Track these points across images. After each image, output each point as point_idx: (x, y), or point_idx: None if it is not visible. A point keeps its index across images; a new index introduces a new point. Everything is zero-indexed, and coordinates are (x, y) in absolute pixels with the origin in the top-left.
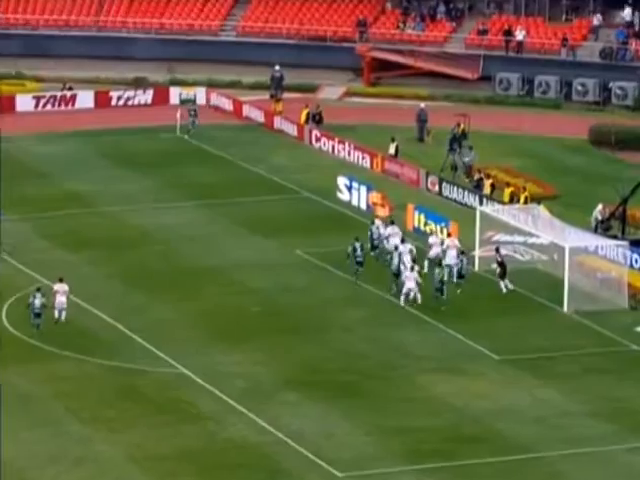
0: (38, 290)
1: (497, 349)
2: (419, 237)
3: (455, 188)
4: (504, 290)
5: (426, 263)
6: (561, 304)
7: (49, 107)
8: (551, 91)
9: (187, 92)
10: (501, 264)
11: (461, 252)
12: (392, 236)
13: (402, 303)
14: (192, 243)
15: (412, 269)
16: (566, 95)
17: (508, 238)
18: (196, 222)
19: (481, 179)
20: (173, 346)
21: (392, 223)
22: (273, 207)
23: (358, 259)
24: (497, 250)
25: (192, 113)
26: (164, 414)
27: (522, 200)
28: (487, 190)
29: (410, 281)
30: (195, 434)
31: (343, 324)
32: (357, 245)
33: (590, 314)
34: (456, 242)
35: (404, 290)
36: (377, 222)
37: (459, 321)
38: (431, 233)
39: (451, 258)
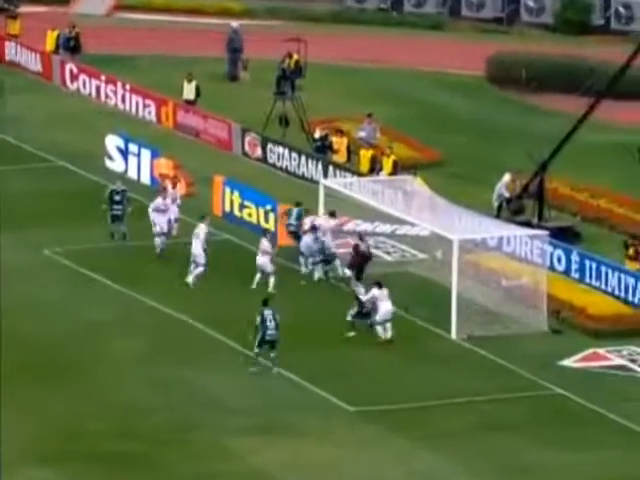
0: None
1: (349, 396)
2: (233, 226)
3: (286, 151)
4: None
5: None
6: (447, 327)
7: None
8: (429, 4)
9: None
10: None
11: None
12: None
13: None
14: None
15: None
16: (452, 10)
17: (367, 227)
18: None
19: (326, 137)
20: None
21: (332, 215)
22: (7, 184)
23: (269, 335)
24: (360, 238)
25: None
26: None
27: (387, 169)
28: (336, 154)
29: None
30: None
31: (115, 360)
32: (267, 315)
33: (490, 341)
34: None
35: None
36: (318, 221)
37: (290, 353)
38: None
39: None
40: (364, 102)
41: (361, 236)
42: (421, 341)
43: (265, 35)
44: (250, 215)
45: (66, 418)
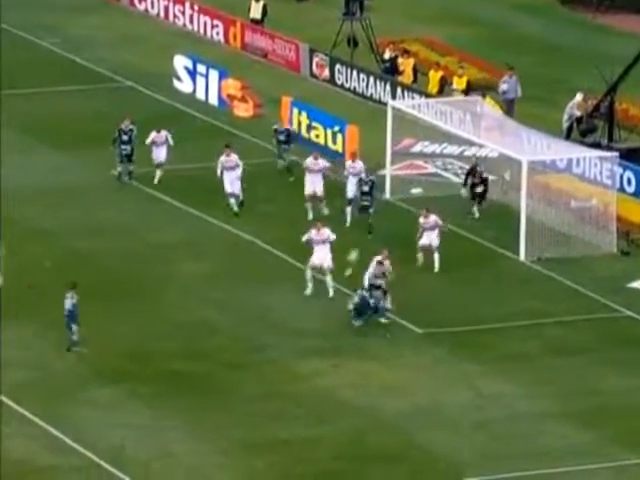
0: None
1: (418, 319)
2: (302, 148)
3: (355, 72)
4: (477, 215)
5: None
6: (516, 249)
7: None
8: None
9: None
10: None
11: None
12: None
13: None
14: None
15: None
16: None
17: (435, 148)
18: None
19: (396, 58)
20: None
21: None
22: (75, 104)
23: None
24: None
25: None
26: None
27: (458, 89)
28: (405, 75)
29: None
30: None
31: (183, 283)
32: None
33: (560, 263)
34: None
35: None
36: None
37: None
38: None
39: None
40: (433, 23)
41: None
42: (490, 263)
43: None
44: (318, 136)
45: (132, 338)
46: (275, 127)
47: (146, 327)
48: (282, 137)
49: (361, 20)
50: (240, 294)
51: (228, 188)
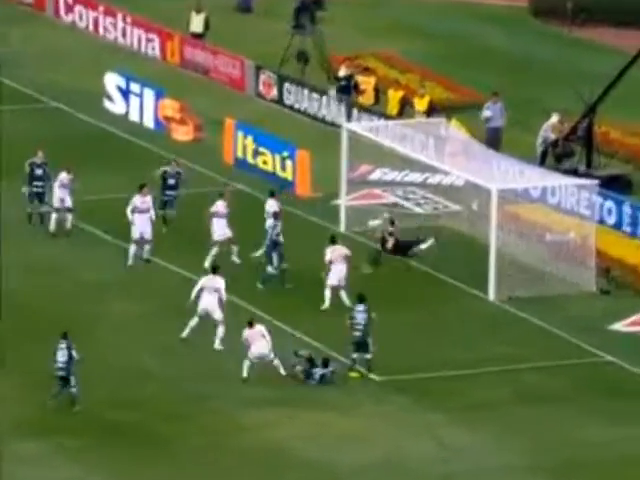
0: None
1: (377, 364)
2: (246, 175)
3: (306, 92)
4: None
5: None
6: (484, 287)
7: None
8: None
9: None
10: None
11: None
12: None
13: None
14: None
15: None
16: None
17: (395, 175)
18: None
19: (351, 76)
20: None
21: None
22: None
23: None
24: (391, 222)
25: None
26: None
27: (420, 110)
28: (361, 95)
29: None
30: None
31: (115, 321)
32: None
33: (533, 302)
34: None
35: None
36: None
37: (307, 316)
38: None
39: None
40: (390, 37)
41: (392, 220)
42: (456, 303)
43: None
44: (265, 163)
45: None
46: (165, 169)
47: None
48: (172, 181)
49: (312, 33)
50: (178, 338)
51: (136, 234)
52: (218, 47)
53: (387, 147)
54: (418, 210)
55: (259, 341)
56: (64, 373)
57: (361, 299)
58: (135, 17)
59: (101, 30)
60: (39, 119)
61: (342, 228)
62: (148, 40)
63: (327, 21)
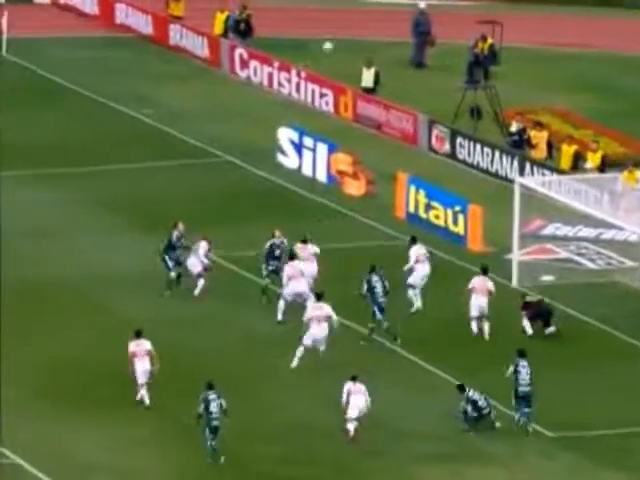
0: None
1: (551, 421)
2: (418, 229)
3: (478, 146)
4: (529, 332)
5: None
6: None
7: None
8: None
9: None
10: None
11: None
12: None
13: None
14: (28, 240)
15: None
16: None
17: (568, 231)
18: (36, 204)
19: (524, 130)
20: None
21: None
22: (167, 180)
23: (379, 302)
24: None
25: None
26: None
27: (593, 165)
28: (534, 150)
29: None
30: None
31: (281, 378)
32: (374, 279)
33: None
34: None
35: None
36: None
37: (476, 374)
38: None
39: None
40: (566, 92)
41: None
42: (628, 360)
43: (456, 16)
44: (437, 217)
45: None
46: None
47: (245, 428)
48: (278, 252)
49: (485, 88)
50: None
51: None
52: (390, 102)
53: (560, 202)
54: (591, 266)
55: (358, 397)
56: (217, 423)
57: (522, 354)
58: (309, 73)
59: (275, 85)
60: (212, 173)
61: (514, 283)
62: (322, 95)
63: (501, 76)
